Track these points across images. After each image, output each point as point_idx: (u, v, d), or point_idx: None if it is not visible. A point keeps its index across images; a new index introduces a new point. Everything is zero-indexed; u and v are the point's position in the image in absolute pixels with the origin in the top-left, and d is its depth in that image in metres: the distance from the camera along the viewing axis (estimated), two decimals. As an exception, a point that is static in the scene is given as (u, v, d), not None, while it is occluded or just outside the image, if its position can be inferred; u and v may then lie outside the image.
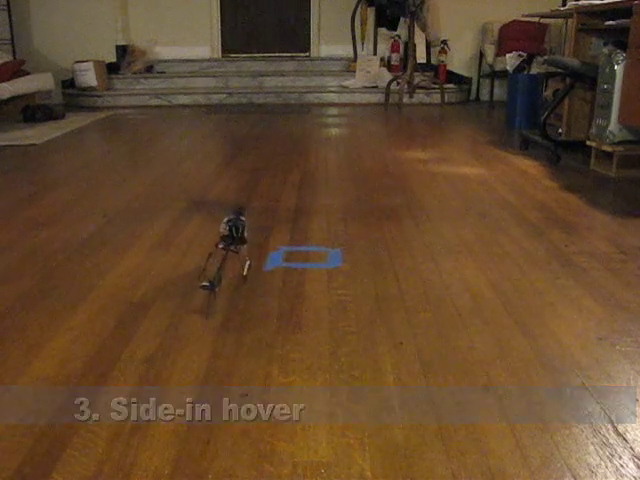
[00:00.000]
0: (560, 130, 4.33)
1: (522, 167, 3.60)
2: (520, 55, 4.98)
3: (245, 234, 1.94)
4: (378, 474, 1.12)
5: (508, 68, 5.07)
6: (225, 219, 1.93)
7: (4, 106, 5.43)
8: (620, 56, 3.18)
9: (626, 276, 2.01)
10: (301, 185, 3.20)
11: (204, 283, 1.77)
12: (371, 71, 6.61)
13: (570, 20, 4.26)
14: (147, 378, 1.43)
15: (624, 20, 3.30)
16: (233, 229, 1.90)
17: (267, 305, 1.81)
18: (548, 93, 4.85)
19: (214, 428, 1.25)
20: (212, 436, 1.23)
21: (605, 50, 3.31)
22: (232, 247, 1.89)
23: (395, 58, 6.81)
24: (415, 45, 6.00)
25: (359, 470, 1.13)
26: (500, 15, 6.55)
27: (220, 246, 1.88)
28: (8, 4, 6.55)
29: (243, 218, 1.96)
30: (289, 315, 1.75)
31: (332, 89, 6.68)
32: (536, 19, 5.38)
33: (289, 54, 7.25)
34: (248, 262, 1.97)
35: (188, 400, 1.34)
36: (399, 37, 6.71)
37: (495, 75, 6.51)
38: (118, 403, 1.32)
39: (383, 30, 6.71)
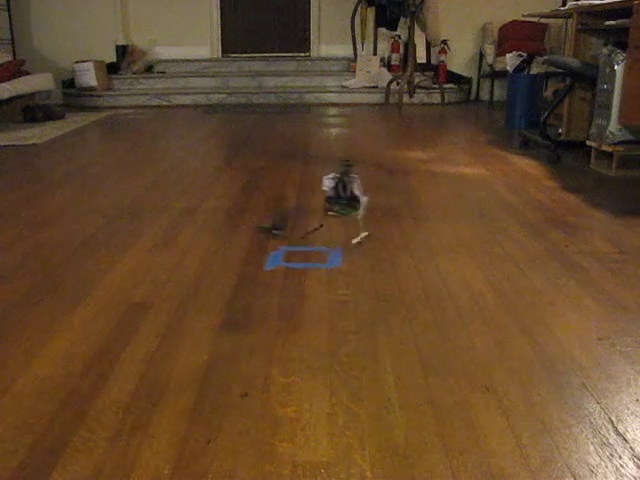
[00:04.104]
0: (560, 130, 4.33)
1: (522, 167, 3.61)
2: (520, 55, 4.99)
3: (355, 192, 1.63)
4: (378, 474, 1.12)
5: (508, 68, 5.07)
6: (330, 176, 1.65)
7: (4, 106, 5.43)
8: (620, 56, 3.18)
9: (626, 276, 2.01)
10: (301, 185, 3.20)
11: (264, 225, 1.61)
12: (371, 71, 6.62)
13: (570, 20, 4.26)
14: (147, 378, 1.43)
15: (624, 20, 3.31)
16: (340, 186, 1.63)
17: (267, 305, 1.81)
18: (548, 93, 4.86)
19: (214, 428, 1.25)
20: (212, 436, 1.23)
21: (605, 50, 3.31)
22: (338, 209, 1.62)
23: (395, 58, 6.81)
24: (415, 45, 6.00)
25: (359, 470, 1.13)
26: (500, 15, 6.56)
27: (331, 213, 1.64)
28: (8, 4, 6.55)
29: (348, 171, 1.64)
30: (289, 315, 1.75)
31: (332, 89, 6.68)
32: (536, 19, 5.38)
33: (289, 54, 7.26)
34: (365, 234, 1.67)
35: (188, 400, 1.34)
36: (399, 37, 6.72)
37: (495, 75, 6.51)
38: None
39: (383, 30, 6.72)
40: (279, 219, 1.59)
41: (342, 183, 1.56)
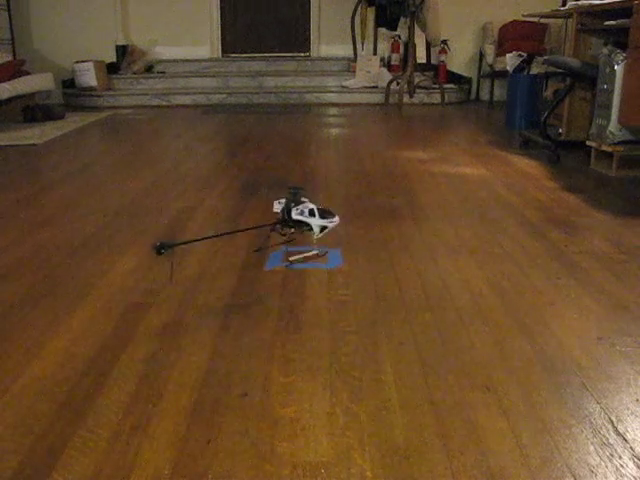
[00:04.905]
0: (560, 130, 4.33)
1: (522, 167, 3.60)
2: (520, 55, 4.98)
3: (294, 215, 1.78)
4: (378, 474, 1.12)
5: (508, 68, 5.07)
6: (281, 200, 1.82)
7: (4, 106, 5.43)
8: (620, 56, 3.18)
9: (626, 276, 2.01)
10: (301, 185, 3.20)
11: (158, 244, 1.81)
12: (371, 71, 6.62)
13: (570, 20, 4.26)
14: (147, 378, 1.43)
15: (624, 20, 3.31)
16: (285, 211, 1.79)
17: (267, 305, 1.81)
18: (548, 93, 4.85)
19: (214, 428, 1.25)
20: (212, 436, 1.23)
21: (605, 50, 3.31)
22: (280, 229, 1.79)
23: (395, 58, 6.81)
24: (415, 45, 6.00)
25: (359, 470, 1.13)
26: (500, 15, 6.56)
27: (289, 231, 1.78)
28: (8, 4, 6.55)
29: (296, 198, 1.80)
30: (289, 315, 1.75)
31: (332, 89, 6.68)
32: (536, 19, 5.38)
33: (289, 54, 7.26)
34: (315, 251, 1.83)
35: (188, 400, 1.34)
36: (399, 37, 6.71)
37: (495, 75, 6.51)
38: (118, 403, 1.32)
39: (383, 30, 6.72)
40: (167, 243, 1.89)
41: (287, 209, 1.69)
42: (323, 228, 1.88)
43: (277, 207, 1.82)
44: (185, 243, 1.99)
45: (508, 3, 6.60)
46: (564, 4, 4.91)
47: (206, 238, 2.09)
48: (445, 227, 2.51)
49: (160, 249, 1.83)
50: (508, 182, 3.24)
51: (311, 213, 1.85)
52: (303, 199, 1.86)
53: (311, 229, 1.84)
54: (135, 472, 1.13)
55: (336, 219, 1.90)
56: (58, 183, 3.33)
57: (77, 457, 1.17)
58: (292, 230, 1.80)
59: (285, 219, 1.81)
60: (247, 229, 2.06)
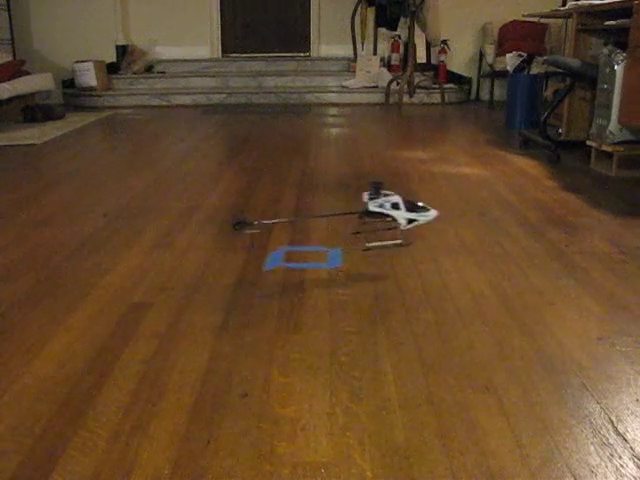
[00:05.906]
0: (560, 130, 4.33)
1: (522, 167, 3.60)
2: (520, 55, 4.98)
3: (370, 207, 1.93)
4: (378, 474, 1.12)
5: (508, 68, 5.07)
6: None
7: (4, 106, 5.43)
8: (620, 56, 3.18)
9: (626, 276, 2.01)
10: (301, 185, 3.20)
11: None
12: (371, 71, 6.62)
13: (570, 20, 4.26)
14: (147, 378, 1.43)
15: (624, 20, 3.31)
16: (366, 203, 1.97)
17: (267, 305, 1.81)
18: (548, 93, 4.85)
19: (214, 428, 1.25)
20: (212, 436, 1.23)
21: (605, 50, 3.31)
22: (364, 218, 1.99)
23: (395, 58, 6.81)
24: (415, 45, 6.00)
25: (359, 470, 1.13)
26: (500, 15, 6.56)
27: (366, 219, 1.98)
28: (8, 4, 6.55)
29: (378, 192, 1.96)
30: (289, 315, 1.75)
31: (332, 89, 6.68)
32: (536, 19, 5.38)
33: (289, 54, 7.25)
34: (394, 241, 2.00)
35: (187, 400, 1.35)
36: (399, 37, 6.71)
37: (495, 75, 6.51)
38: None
39: (383, 30, 6.71)
40: (244, 221, 2.16)
41: (369, 201, 1.94)
42: (411, 221, 1.97)
43: (365, 197, 1.97)
44: (262, 223, 2.24)
45: (508, 3, 6.60)
46: (564, 4, 4.91)
47: (290, 220, 2.38)
48: (445, 227, 2.51)
49: (236, 225, 2.08)
50: (508, 182, 3.24)
51: (394, 206, 1.95)
52: (387, 192, 1.95)
53: (395, 221, 1.95)
54: (135, 472, 1.13)
55: (431, 213, 1.99)
56: (58, 183, 3.33)
57: (77, 457, 1.17)
58: (376, 220, 1.97)
59: (367, 210, 1.95)
60: (337, 214, 2.36)
